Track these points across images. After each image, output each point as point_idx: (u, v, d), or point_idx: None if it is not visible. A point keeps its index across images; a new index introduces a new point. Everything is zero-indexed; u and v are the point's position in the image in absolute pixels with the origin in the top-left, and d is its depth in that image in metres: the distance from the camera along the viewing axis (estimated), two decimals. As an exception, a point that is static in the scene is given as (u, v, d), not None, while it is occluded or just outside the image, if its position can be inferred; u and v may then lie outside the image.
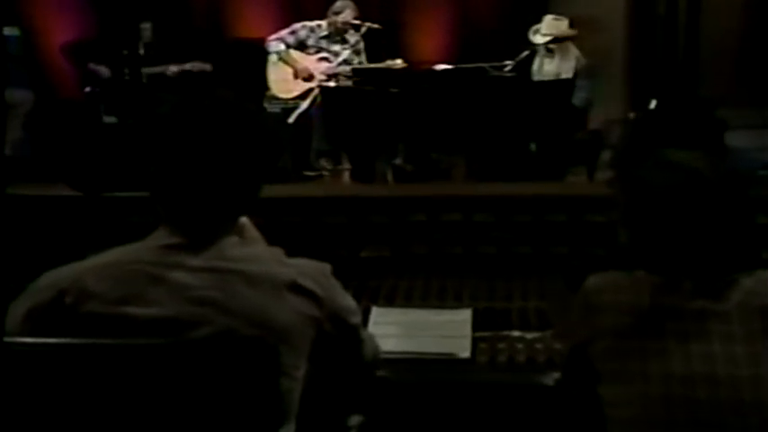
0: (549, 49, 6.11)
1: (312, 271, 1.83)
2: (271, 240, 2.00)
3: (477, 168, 6.00)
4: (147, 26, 6.62)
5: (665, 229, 1.85)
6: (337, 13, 6.60)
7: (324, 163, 6.51)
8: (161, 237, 1.79)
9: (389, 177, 6.38)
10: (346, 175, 6.33)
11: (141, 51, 6.50)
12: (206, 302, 1.72)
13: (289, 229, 2.94)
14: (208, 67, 6.71)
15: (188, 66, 6.62)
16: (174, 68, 6.60)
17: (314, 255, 1.85)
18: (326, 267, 1.86)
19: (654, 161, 1.90)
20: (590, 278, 1.93)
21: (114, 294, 1.72)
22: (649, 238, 1.88)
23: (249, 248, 1.85)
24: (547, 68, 6.15)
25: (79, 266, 1.78)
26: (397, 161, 6.48)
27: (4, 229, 1.75)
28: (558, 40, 6.10)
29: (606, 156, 6.05)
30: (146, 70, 6.42)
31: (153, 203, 1.80)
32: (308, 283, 1.79)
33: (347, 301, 1.88)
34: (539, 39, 6.11)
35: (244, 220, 1.93)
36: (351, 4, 6.62)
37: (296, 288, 1.78)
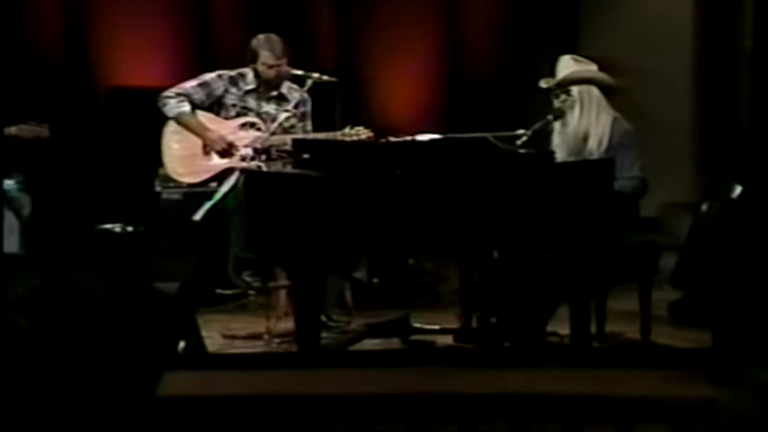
0: (563, 93, 6.07)
1: None
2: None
3: (476, 285, 5.86)
4: None
5: None
6: (254, 59, 6.65)
7: (247, 278, 6.42)
8: None
9: (348, 298, 6.39)
10: (282, 296, 6.12)
11: None
12: None
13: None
14: (44, 131, 6.52)
15: (13, 130, 6.41)
16: None
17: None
18: None
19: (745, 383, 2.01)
20: None
21: None
22: None
23: None
24: (569, 130, 6.08)
25: None
26: (359, 274, 6.57)
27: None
28: (570, 83, 6.06)
29: (667, 261, 6.16)
30: None
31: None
32: None
33: None
34: (543, 83, 6.13)
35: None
36: (266, 42, 6.64)
37: None
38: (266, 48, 6.62)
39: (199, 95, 6.61)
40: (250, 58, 6.67)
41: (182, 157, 6.63)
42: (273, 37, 6.67)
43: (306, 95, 6.67)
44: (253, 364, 5.12)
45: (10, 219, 6.40)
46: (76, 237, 6.63)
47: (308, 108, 6.73)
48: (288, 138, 6.42)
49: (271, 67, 6.62)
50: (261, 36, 6.68)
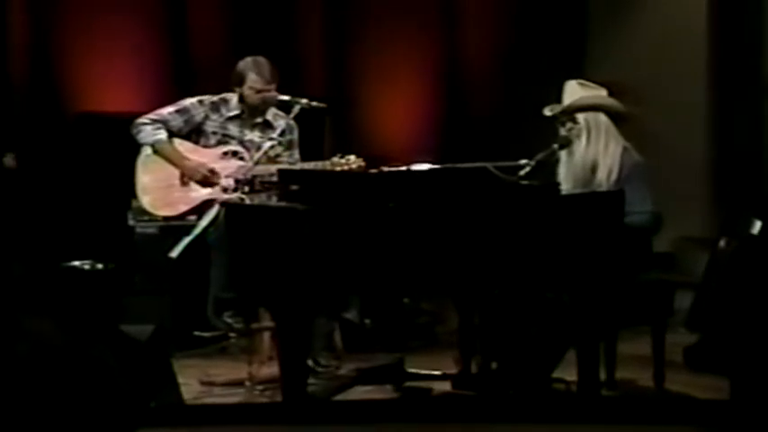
0: (569, 121, 6.04)
1: None
2: None
3: (476, 326, 5.86)
4: None
5: None
6: (240, 83, 6.59)
7: (228, 319, 6.35)
8: None
9: (337, 341, 6.46)
10: (265, 339, 6.14)
11: None
12: None
13: None
14: (10, 161, 6.70)
15: None
16: None
17: None
18: None
19: None
20: None
21: None
22: None
23: None
24: (575, 160, 6.08)
25: None
26: (350, 315, 6.60)
27: None
28: (576, 110, 6.05)
29: (682, 302, 6.14)
30: None
31: None
32: None
33: None
34: (548, 111, 6.10)
35: None
36: (254, 66, 6.57)
37: None
38: (254, 71, 6.56)
39: (176, 122, 6.55)
40: (236, 82, 6.61)
41: (157, 189, 6.58)
42: (262, 60, 6.61)
43: (292, 122, 6.60)
44: (232, 418, 5.04)
45: None
46: (42, 275, 6.60)
47: (295, 136, 6.68)
48: (273, 168, 6.34)
49: (258, 91, 6.56)
50: (249, 59, 6.62)
